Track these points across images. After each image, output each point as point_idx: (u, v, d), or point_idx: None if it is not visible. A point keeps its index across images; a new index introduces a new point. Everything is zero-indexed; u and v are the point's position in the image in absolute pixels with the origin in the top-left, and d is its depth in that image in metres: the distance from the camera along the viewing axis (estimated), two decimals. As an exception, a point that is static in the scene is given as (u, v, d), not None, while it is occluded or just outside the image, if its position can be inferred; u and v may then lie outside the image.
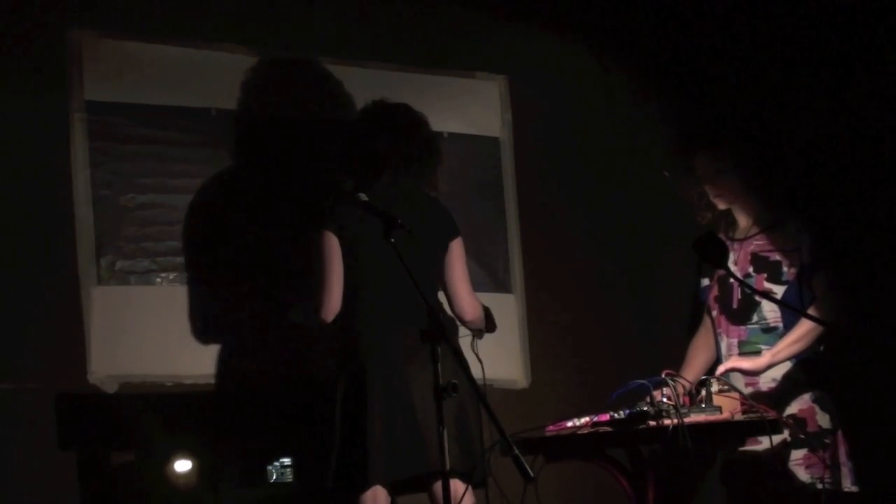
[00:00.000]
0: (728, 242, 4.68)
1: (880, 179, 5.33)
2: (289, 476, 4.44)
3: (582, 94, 5.73)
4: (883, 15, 5.30)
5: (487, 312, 4.75)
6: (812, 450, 4.52)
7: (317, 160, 4.95)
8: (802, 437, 4.52)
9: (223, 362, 4.82)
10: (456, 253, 4.55)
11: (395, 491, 4.38)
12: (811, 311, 4.52)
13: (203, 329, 4.81)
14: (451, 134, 5.39)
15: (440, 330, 3.67)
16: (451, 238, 4.55)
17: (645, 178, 5.65)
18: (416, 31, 5.39)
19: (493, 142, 5.54)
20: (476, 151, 5.49)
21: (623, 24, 5.82)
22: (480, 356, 4.41)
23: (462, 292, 4.53)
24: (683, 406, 4.15)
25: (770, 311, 4.64)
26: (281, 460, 4.44)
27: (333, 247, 4.38)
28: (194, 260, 4.85)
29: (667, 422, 4.08)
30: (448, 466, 3.69)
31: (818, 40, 5.50)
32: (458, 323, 4.54)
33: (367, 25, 5.29)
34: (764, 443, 4.41)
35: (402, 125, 4.53)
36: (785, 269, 4.65)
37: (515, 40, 5.59)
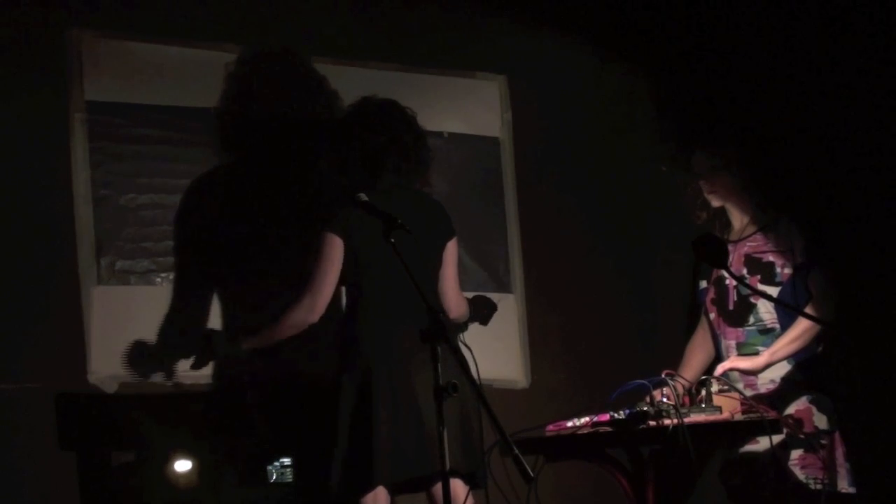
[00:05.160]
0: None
1: (877, 178, 5.33)
2: (289, 476, 4.44)
3: (582, 94, 5.73)
4: (881, 15, 5.30)
5: (484, 303, 4.76)
6: (807, 450, 4.52)
7: (315, 160, 4.94)
8: (802, 436, 4.53)
9: (223, 362, 4.82)
10: (450, 253, 4.56)
11: (395, 491, 4.38)
12: (808, 310, 4.52)
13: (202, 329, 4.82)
14: (451, 134, 5.39)
15: (440, 330, 3.67)
16: (449, 238, 4.55)
17: (644, 179, 5.65)
18: (416, 31, 5.39)
19: (493, 142, 5.54)
20: (476, 151, 5.49)
21: (622, 24, 5.82)
22: (475, 351, 4.42)
23: (450, 292, 4.55)
24: (683, 406, 4.15)
25: (766, 313, 4.64)
26: (281, 460, 4.44)
27: (335, 250, 4.37)
28: (192, 260, 4.85)
29: (667, 422, 4.08)
30: (448, 467, 3.69)
31: (815, 39, 5.50)
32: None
33: (367, 25, 5.29)
34: (762, 443, 4.42)
35: (397, 123, 4.53)
36: (778, 269, 4.66)
37: (515, 40, 5.59)
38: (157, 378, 4.71)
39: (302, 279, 4.42)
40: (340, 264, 4.38)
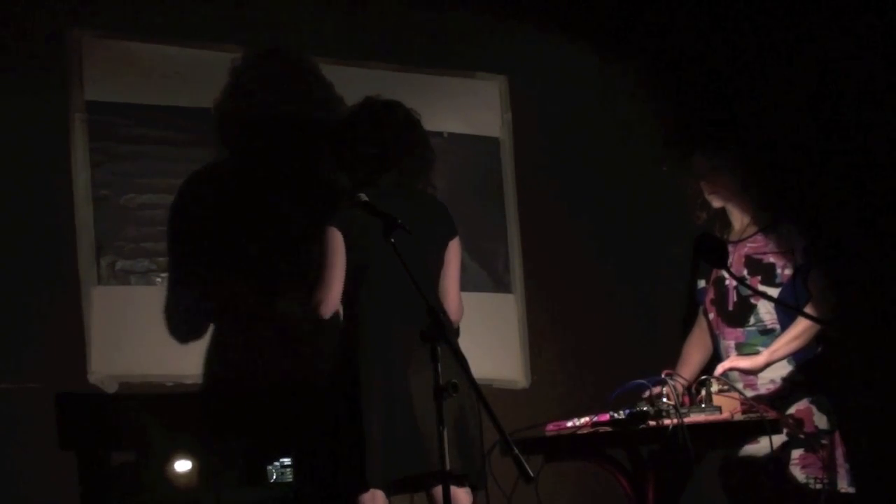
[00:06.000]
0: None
1: (876, 179, 5.33)
2: (289, 476, 4.44)
3: (582, 94, 5.73)
4: (880, 16, 5.30)
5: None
6: (808, 450, 4.52)
7: (315, 159, 4.94)
8: (802, 436, 4.53)
9: (223, 362, 4.82)
10: (453, 253, 4.55)
11: (392, 491, 4.37)
12: (807, 310, 4.52)
13: (202, 328, 4.82)
14: (451, 134, 5.39)
15: (440, 330, 3.67)
16: (450, 238, 4.55)
17: (645, 178, 5.65)
18: (416, 31, 5.39)
19: (493, 142, 5.54)
20: (476, 151, 5.49)
21: (622, 23, 5.82)
22: (474, 355, 4.42)
23: (452, 293, 4.54)
24: (683, 406, 4.15)
25: (766, 313, 4.64)
26: (281, 460, 4.44)
27: (338, 243, 4.37)
28: (191, 259, 4.85)
29: (667, 422, 4.08)
30: (447, 468, 3.68)
31: (816, 40, 5.51)
32: None
33: (367, 25, 5.29)
34: (763, 443, 4.42)
35: (401, 123, 4.53)
36: (779, 270, 4.66)
37: (515, 40, 5.59)
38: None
39: (311, 277, 4.42)
40: (345, 257, 4.38)
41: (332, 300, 4.37)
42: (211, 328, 4.83)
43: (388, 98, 4.60)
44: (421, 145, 4.56)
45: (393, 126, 4.51)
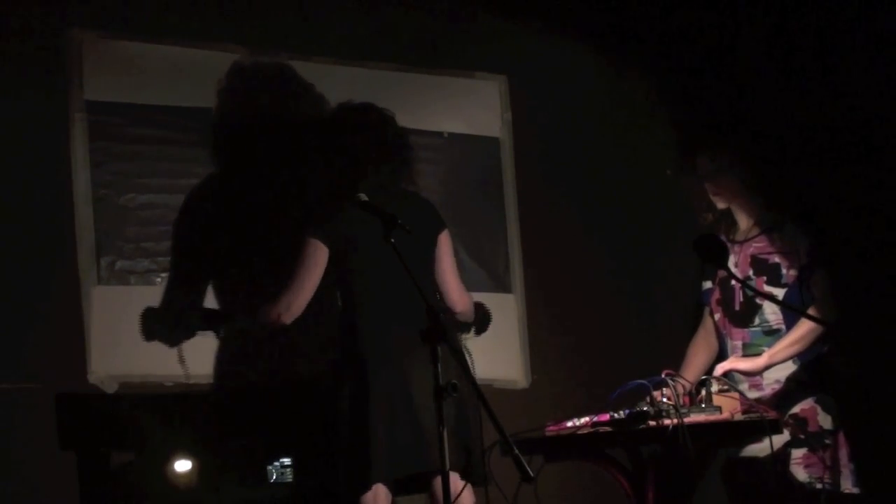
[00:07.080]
0: (728, 245, 4.68)
1: (880, 179, 5.33)
2: (289, 476, 4.44)
3: (582, 94, 5.73)
4: (882, 16, 5.30)
5: (483, 312, 4.75)
6: (812, 449, 4.52)
7: (301, 165, 4.93)
8: (802, 436, 4.53)
9: (223, 362, 4.82)
10: (444, 246, 4.54)
11: (395, 490, 4.38)
12: (810, 312, 4.52)
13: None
14: (451, 134, 5.39)
15: (441, 330, 3.66)
16: (439, 231, 4.54)
17: (646, 179, 5.65)
18: (416, 31, 5.39)
19: (493, 142, 5.54)
20: (476, 151, 5.49)
21: (624, 24, 5.82)
22: (474, 355, 4.43)
23: (452, 284, 4.53)
24: (683, 406, 4.15)
25: (772, 314, 4.64)
26: (281, 460, 4.44)
27: (317, 255, 4.37)
28: (190, 259, 4.85)
29: (667, 422, 4.09)
30: (449, 465, 3.68)
31: (819, 41, 5.50)
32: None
33: (367, 25, 5.29)
34: (766, 442, 4.42)
35: (375, 123, 4.52)
36: (784, 271, 4.65)
37: (515, 40, 5.59)
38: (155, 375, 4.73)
39: (283, 280, 4.41)
40: (322, 271, 4.37)
41: (297, 308, 4.37)
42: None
43: (362, 101, 4.58)
44: (397, 145, 4.54)
45: (366, 127, 4.49)
